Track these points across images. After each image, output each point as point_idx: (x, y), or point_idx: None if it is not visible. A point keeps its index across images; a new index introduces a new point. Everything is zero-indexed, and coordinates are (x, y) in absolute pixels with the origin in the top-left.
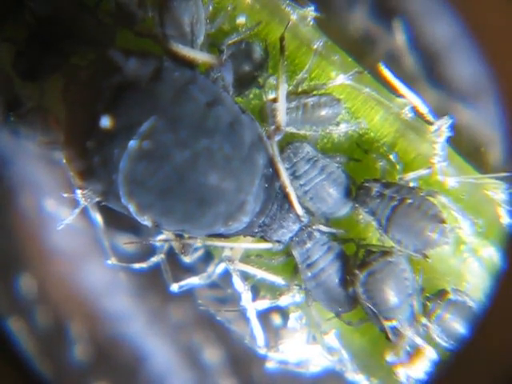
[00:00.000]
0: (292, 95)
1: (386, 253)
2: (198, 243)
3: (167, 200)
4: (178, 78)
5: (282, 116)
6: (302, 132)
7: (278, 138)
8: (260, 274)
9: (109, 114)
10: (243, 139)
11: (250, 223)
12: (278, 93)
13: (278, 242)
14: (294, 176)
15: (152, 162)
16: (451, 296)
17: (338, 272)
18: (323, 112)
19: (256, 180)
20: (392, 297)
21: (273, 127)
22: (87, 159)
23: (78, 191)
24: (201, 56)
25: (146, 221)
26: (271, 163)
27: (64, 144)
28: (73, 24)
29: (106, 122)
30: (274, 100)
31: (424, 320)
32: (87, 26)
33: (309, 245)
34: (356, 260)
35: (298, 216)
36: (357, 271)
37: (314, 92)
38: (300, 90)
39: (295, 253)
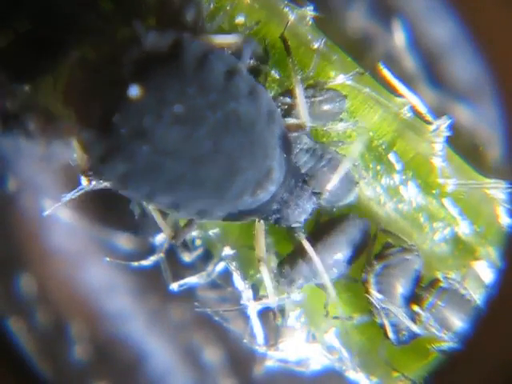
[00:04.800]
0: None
1: (405, 249)
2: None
3: (199, 168)
4: (198, 47)
5: (304, 114)
6: None
7: (299, 134)
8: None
9: (135, 83)
10: (262, 106)
11: (272, 197)
12: (296, 93)
13: (294, 227)
14: None
15: (185, 125)
16: (442, 284)
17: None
18: (327, 107)
19: (277, 147)
20: (401, 295)
21: (293, 120)
22: (109, 139)
23: (83, 177)
24: (223, 39)
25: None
26: (284, 136)
27: (79, 130)
28: (71, 20)
29: (134, 91)
30: (282, 94)
31: (416, 308)
32: (86, 21)
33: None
34: (373, 243)
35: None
36: (374, 261)
37: (318, 88)
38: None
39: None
